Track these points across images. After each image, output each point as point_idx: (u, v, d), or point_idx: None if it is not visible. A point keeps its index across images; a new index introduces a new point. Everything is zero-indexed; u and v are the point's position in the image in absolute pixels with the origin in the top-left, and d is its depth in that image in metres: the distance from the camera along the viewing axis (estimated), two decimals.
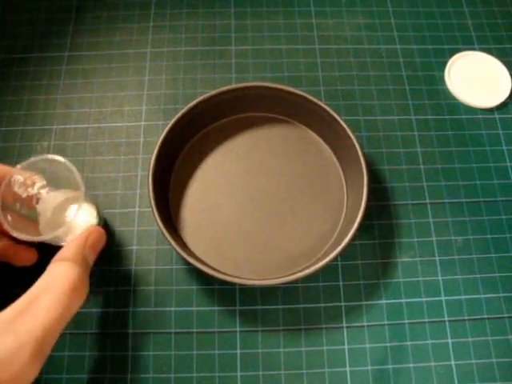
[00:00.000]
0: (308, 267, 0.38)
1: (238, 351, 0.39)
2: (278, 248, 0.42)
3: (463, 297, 0.41)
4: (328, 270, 0.42)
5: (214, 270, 0.39)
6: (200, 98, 0.43)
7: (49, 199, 0.35)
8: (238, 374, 0.39)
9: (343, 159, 0.45)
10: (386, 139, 0.47)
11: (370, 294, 0.41)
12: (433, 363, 0.39)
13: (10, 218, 0.32)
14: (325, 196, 0.44)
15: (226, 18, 0.54)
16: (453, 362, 0.39)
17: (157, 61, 0.51)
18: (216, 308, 0.41)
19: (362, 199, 0.40)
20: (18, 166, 0.33)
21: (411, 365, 0.39)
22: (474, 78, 0.50)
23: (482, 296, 0.42)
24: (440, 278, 0.42)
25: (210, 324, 0.40)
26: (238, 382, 0.38)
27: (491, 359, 0.39)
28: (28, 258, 0.37)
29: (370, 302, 0.41)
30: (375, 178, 0.45)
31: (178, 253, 0.38)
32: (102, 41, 0.52)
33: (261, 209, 0.44)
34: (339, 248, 0.38)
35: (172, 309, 0.40)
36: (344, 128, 0.43)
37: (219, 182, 0.45)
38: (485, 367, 0.39)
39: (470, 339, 0.40)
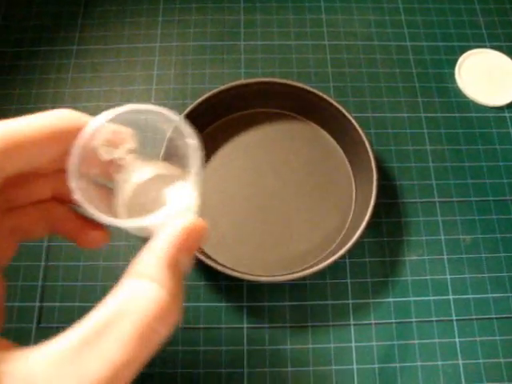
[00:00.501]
0: (316, 264, 0.38)
1: (245, 347, 0.39)
2: (285, 245, 0.42)
3: (471, 296, 0.41)
4: (336, 268, 0.42)
5: (222, 265, 0.40)
6: (208, 94, 0.43)
7: (134, 171, 0.24)
8: (245, 370, 0.38)
9: (352, 156, 0.44)
10: (395, 137, 0.47)
11: (378, 291, 0.41)
12: (440, 362, 0.39)
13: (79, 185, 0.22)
14: (333, 193, 0.44)
15: (235, 13, 0.53)
16: (460, 362, 0.39)
17: (165, 55, 0.51)
18: (223, 304, 0.41)
19: (370, 197, 0.40)
20: (103, 117, 0.22)
21: (418, 363, 0.39)
22: (484, 76, 0.50)
23: (490, 295, 0.41)
24: (448, 276, 0.42)
25: (217, 320, 0.40)
26: (244, 378, 0.38)
27: (499, 359, 0.39)
28: (97, 239, 0.26)
29: (377, 300, 0.41)
30: (384, 175, 0.45)
31: None
32: (111, 35, 0.52)
33: (269, 205, 0.44)
34: (347, 246, 0.38)
35: None
36: (353, 125, 0.42)
37: (227, 178, 0.45)
38: (492, 367, 0.39)
39: (477, 338, 0.40)
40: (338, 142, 0.46)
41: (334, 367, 0.39)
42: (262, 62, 0.51)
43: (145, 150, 0.24)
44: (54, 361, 0.16)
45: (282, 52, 0.51)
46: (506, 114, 0.48)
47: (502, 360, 0.39)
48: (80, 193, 0.20)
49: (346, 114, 0.43)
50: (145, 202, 0.24)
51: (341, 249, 0.38)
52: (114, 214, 0.23)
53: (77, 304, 0.41)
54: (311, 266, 0.39)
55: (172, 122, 0.22)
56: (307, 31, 0.52)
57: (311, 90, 0.44)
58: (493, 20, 0.53)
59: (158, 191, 0.24)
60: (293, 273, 0.39)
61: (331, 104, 0.43)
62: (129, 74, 0.50)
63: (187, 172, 0.22)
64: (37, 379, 0.16)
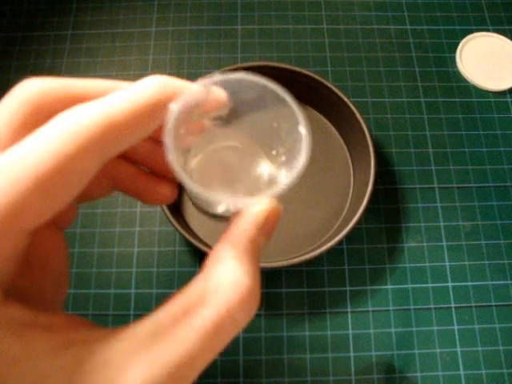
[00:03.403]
0: (313, 250, 0.38)
1: (241, 335, 0.39)
2: (283, 231, 0.42)
3: (470, 283, 0.41)
4: (333, 254, 0.41)
5: None
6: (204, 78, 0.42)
7: (215, 137, 0.23)
8: (241, 357, 0.38)
9: (350, 141, 0.44)
10: (394, 122, 0.46)
11: (376, 278, 0.41)
12: (438, 350, 0.39)
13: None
14: (331, 179, 0.43)
15: None
16: (458, 349, 0.39)
17: (161, 40, 0.50)
18: None
19: (368, 182, 0.39)
20: (216, 78, 0.20)
21: (416, 351, 0.39)
22: (486, 60, 0.49)
23: (490, 282, 0.41)
24: (447, 263, 0.41)
25: None
26: (240, 365, 0.38)
27: (498, 346, 0.39)
28: (167, 194, 0.24)
29: (375, 287, 0.40)
30: (383, 161, 0.45)
31: (181, 234, 0.37)
32: (106, 19, 0.51)
33: None
34: (344, 231, 0.37)
35: (174, 291, 0.40)
36: (352, 110, 0.42)
37: None
38: (491, 354, 0.38)
39: (476, 326, 0.39)
40: (336, 128, 0.45)
41: (330, 354, 0.38)
42: (260, 46, 0.50)
43: (234, 121, 0.23)
44: (129, 345, 0.16)
45: (280, 36, 0.50)
46: (508, 99, 0.47)
47: (500, 348, 0.39)
48: (178, 165, 0.18)
49: (344, 98, 0.42)
50: (215, 171, 0.24)
51: (338, 235, 0.38)
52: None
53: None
54: (308, 252, 0.38)
55: (281, 101, 0.20)
56: (305, 15, 0.51)
57: (309, 74, 0.43)
58: (495, 3, 0.52)
59: (230, 163, 0.24)
60: (289, 259, 0.38)
61: (329, 89, 0.43)
62: (124, 59, 0.49)
63: (274, 154, 0.21)
64: (113, 363, 0.16)
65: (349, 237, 0.38)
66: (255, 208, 0.20)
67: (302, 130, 0.20)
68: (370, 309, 0.40)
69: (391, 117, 0.46)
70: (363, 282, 0.41)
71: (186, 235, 0.37)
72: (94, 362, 0.16)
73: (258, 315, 0.39)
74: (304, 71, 0.43)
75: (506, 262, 0.41)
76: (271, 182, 0.21)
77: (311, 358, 0.38)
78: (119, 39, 0.50)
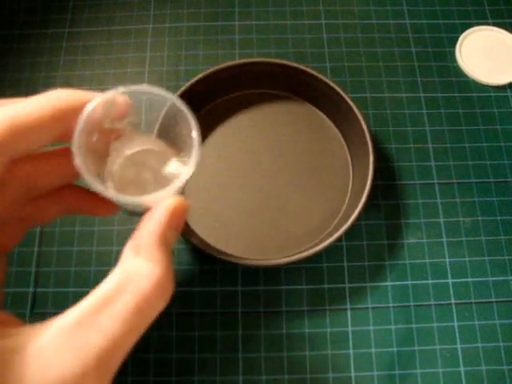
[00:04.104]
0: (312, 247, 0.38)
1: (240, 332, 0.39)
2: (281, 228, 0.41)
3: (470, 279, 0.40)
4: (332, 251, 0.41)
5: (216, 250, 0.39)
6: (201, 75, 0.42)
7: (128, 141, 0.26)
8: (240, 355, 0.38)
9: (349, 137, 0.43)
10: (393, 117, 0.46)
11: (375, 275, 0.41)
12: (438, 346, 0.38)
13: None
14: (330, 175, 0.43)
15: None
16: (459, 346, 0.38)
17: (158, 37, 0.50)
18: (218, 289, 0.40)
19: (367, 178, 0.39)
20: (120, 89, 0.23)
21: (416, 348, 0.38)
22: (486, 54, 0.48)
23: (490, 279, 0.40)
24: (447, 259, 0.41)
25: (212, 305, 0.39)
26: (239, 362, 0.38)
27: (498, 343, 0.38)
28: (111, 209, 0.28)
29: (374, 284, 0.40)
30: (382, 156, 0.44)
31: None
32: (103, 16, 0.51)
33: (264, 188, 0.43)
34: (343, 228, 0.37)
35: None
36: (350, 105, 0.41)
37: (222, 160, 0.44)
38: (491, 351, 0.38)
39: (476, 322, 0.39)
40: (335, 123, 0.45)
41: (330, 352, 0.38)
42: (257, 42, 0.49)
43: (141, 128, 0.26)
44: (55, 335, 0.18)
45: (278, 32, 0.50)
46: (508, 94, 0.47)
47: (501, 344, 0.38)
48: (84, 168, 0.20)
49: (343, 94, 0.41)
50: (131, 173, 0.26)
51: (337, 231, 0.37)
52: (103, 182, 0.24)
53: (71, 289, 0.40)
54: (307, 249, 0.38)
55: (174, 107, 0.24)
56: (303, 10, 0.51)
57: (307, 70, 0.43)
58: None
59: (146, 165, 0.26)
60: (288, 256, 0.38)
61: (327, 84, 0.42)
62: (121, 57, 0.49)
63: (181, 155, 0.24)
64: (43, 353, 0.17)
65: (348, 233, 0.38)
66: (161, 206, 0.22)
67: (194, 134, 0.23)
68: (370, 306, 0.40)
69: (390, 112, 0.46)
70: (363, 279, 0.40)
71: (185, 234, 0.37)
72: (25, 353, 0.17)
73: (256, 312, 0.39)
74: (302, 67, 0.43)
75: (506, 257, 0.41)
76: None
77: (311, 355, 0.38)
78: (116, 37, 0.50)
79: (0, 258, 0.24)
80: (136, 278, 0.20)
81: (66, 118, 0.21)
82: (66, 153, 0.23)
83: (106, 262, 0.41)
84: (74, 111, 0.21)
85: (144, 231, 0.22)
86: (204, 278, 0.40)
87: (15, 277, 0.40)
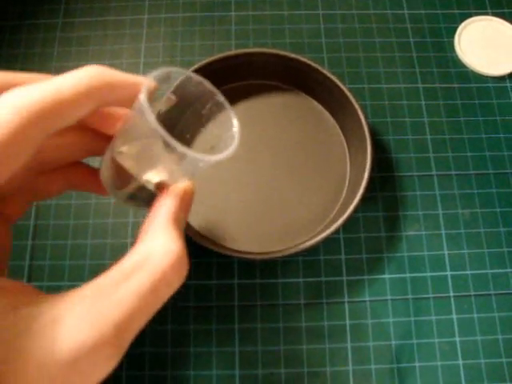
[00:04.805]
0: (309, 240, 0.37)
1: (237, 326, 0.38)
2: (278, 220, 0.41)
3: (469, 272, 0.40)
4: (330, 243, 0.41)
5: (212, 243, 0.39)
6: (197, 65, 0.42)
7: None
8: (237, 349, 0.38)
9: (347, 129, 0.43)
10: (391, 108, 0.45)
11: (373, 268, 0.40)
12: (437, 339, 0.38)
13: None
14: (327, 167, 0.43)
15: None
16: (457, 339, 0.38)
17: (154, 27, 0.49)
18: (214, 282, 0.40)
19: (365, 170, 0.38)
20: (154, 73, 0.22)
21: (414, 341, 0.38)
22: (485, 45, 0.48)
23: (489, 271, 0.40)
24: (446, 252, 0.41)
25: (208, 298, 0.39)
26: (236, 356, 0.37)
27: (497, 335, 0.38)
28: None
29: (372, 277, 0.40)
30: (380, 148, 0.44)
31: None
32: (97, 6, 0.50)
33: (261, 180, 0.42)
34: (341, 220, 0.37)
35: None
36: (348, 96, 0.41)
37: None
38: (490, 343, 0.38)
39: (475, 315, 0.39)
40: (332, 115, 0.44)
41: (327, 345, 0.38)
42: (254, 33, 0.49)
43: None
44: (75, 305, 0.18)
45: (275, 22, 0.49)
46: (508, 84, 0.47)
47: (499, 336, 0.38)
48: (160, 126, 0.20)
49: (340, 85, 0.41)
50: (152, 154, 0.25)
51: (334, 224, 0.37)
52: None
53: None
54: (304, 242, 0.37)
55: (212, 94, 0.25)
56: (300, 0, 0.50)
57: (304, 60, 0.42)
58: None
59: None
60: (285, 249, 0.38)
61: (325, 75, 0.42)
62: (116, 48, 0.48)
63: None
64: (61, 321, 0.17)
65: (345, 226, 0.38)
66: (173, 189, 0.23)
67: (235, 129, 0.25)
68: (368, 299, 0.39)
69: (388, 103, 0.46)
70: (360, 272, 0.40)
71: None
72: (45, 321, 0.17)
73: (253, 306, 0.39)
74: (299, 57, 0.42)
75: (505, 250, 0.41)
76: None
77: (308, 349, 0.38)
78: (111, 27, 0.49)
79: (7, 228, 0.24)
80: (154, 256, 0.20)
81: (101, 96, 0.21)
82: (80, 130, 0.24)
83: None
84: (110, 88, 0.22)
85: (159, 212, 0.23)
86: (200, 271, 0.40)
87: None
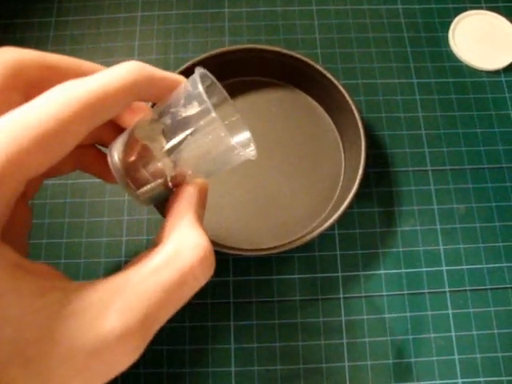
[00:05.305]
0: (304, 236, 0.37)
1: (232, 323, 0.38)
2: (273, 216, 0.41)
3: (465, 267, 0.40)
4: (325, 239, 0.40)
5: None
6: (190, 62, 0.41)
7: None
8: (232, 345, 0.38)
9: (341, 124, 0.43)
10: (386, 103, 0.45)
11: (368, 264, 0.40)
12: (432, 334, 0.38)
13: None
14: (322, 163, 0.43)
15: None
16: (453, 333, 0.38)
17: (147, 25, 0.49)
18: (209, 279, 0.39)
19: (359, 166, 0.38)
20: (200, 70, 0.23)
21: (410, 336, 0.38)
22: (480, 39, 0.48)
23: (485, 266, 0.40)
24: (441, 247, 0.41)
25: (203, 295, 0.39)
26: (231, 353, 0.37)
27: (492, 330, 0.38)
28: None
29: (367, 273, 0.40)
30: (375, 143, 0.44)
31: None
32: (91, 5, 0.50)
33: (255, 176, 0.42)
34: (336, 216, 0.37)
35: None
36: (342, 92, 0.41)
37: None
38: (486, 338, 0.38)
39: (471, 310, 0.39)
40: (327, 110, 0.44)
41: (323, 341, 0.38)
42: (248, 29, 0.49)
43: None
44: (103, 294, 0.19)
45: (268, 18, 0.49)
46: (502, 79, 0.46)
47: (495, 331, 0.38)
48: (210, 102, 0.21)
49: (335, 81, 0.41)
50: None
51: (329, 220, 0.37)
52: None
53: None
54: (299, 238, 0.37)
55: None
56: None
57: (298, 56, 0.42)
58: None
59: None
60: (280, 246, 0.38)
61: (319, 71, 0.42)
62: (110, 46, 0.48)
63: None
64: (90, 309, 0.18)
65: (340, 221, 0.37)
66: (190, 186, 0.24)
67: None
68: (363, 294, 0.39)
69: (383, 98, 0.45)
70: (356, 268, 0.40)
71: None
72: (74, 307, 0.18)
73: (249, 302, 0.39)
74: (293, 53, 0.42)
75: (500, 244, 0.41)
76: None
77: (303, 345, 0.38)
78: (104, 25, 0.49)
79: (26, 204, 0.25)
80: (183, 251, 0.21)
81: (141, 91, 0.22)
82: None
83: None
84: (150, 84, 0.23)
85: (182, 208, 0.23)
86: None
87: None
